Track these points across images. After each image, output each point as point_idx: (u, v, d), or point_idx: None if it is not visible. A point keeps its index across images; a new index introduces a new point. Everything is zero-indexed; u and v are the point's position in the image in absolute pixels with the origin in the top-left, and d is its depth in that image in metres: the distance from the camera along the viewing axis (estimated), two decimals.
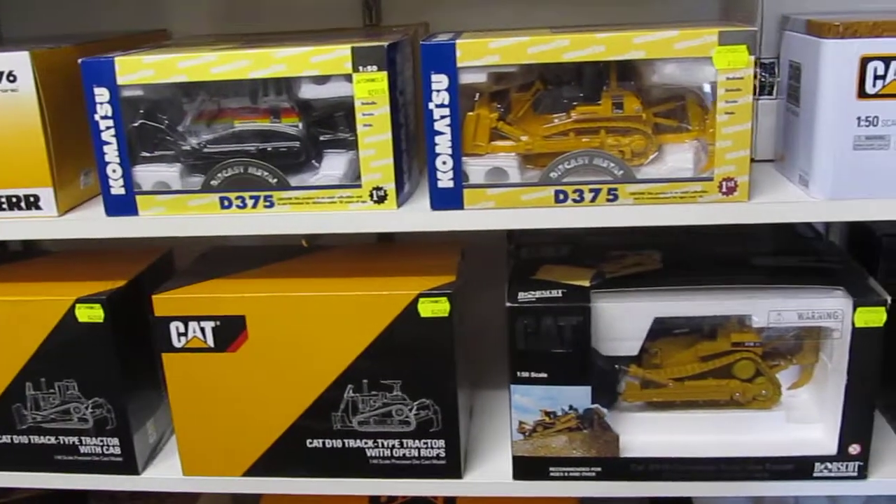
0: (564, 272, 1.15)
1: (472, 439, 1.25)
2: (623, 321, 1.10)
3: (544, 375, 1.09)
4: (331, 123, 1.08)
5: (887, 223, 1.27)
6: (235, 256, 1.24)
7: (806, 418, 1.15)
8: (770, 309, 1.07)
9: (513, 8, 1.38)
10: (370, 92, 1.02)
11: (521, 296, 1.08)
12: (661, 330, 1.15)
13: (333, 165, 1.08)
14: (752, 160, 1.15)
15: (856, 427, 1.09)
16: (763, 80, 1.15)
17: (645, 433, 1.15)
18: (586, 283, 1.11)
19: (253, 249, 1.27)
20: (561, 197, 1.03)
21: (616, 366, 1.14)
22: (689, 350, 1.15)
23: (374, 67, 1.01)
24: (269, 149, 1.08)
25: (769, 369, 1.15)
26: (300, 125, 1.08)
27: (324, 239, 1.18)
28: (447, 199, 1.04)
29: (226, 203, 1.07)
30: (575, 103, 1.05)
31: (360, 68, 1.01)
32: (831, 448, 1.11)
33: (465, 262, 1.22)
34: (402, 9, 1.40)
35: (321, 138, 1.09)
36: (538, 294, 1.09)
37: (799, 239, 1.26)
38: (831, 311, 1.06)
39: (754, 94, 1.13)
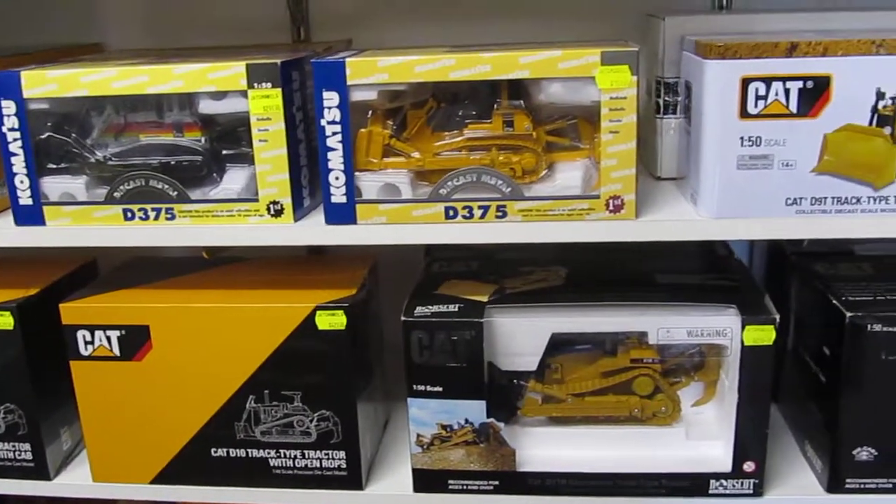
0: (467, 287, 1.16)
1: (384, 451, 1.26)
2: (519, 336, 1.11)
3: (440, 389, 1.10)
4: (234, 138, 1.10)
5: (801, 242, 1.28)
6: (153, 267, 1.26)
7: (707, 435, 1.15)
8: (659, 326, 1.08)
9: (440, 25, 1.40)
10: (265, 108, 1.04)
11: (418, 310, 1.10)
12: (563, 345, 1.16)
13: (234, 180, 1.10)
14: (659, 178, 1.18)
15: (749, 444, 1.10)
16: (667, 100, 1.17)
17: (545, 448, 1.16)
18: (484, 299, 1.12)
19: (172, 260, 1.29)
20: (451, 213, 1.04)
21: (515, 381, 1.15)
22: (592, 366, 1.16)
23: (269, 84, 1.03)
24: (173, 162, 1.10)
25: (669, 386, 1.16)
26: (203, 140, 1.10)
27: (249, 252, 1.19)
28: (341, 214, 1.05)
29: (129, 215, 1.09)
30: (467, 121, 1.06)
31: (255, 85, 1.03)
32: (727, 465, 1.11)
33: (374, 275, 1.23)
34: (331, 26, 1.42)
35: (224, 153, 1.11)
36: (435, 309, 1.10)
37: (710, 257, 1.26)
38: (720, 328, 1.07)
39: (658, 112, 1.16)
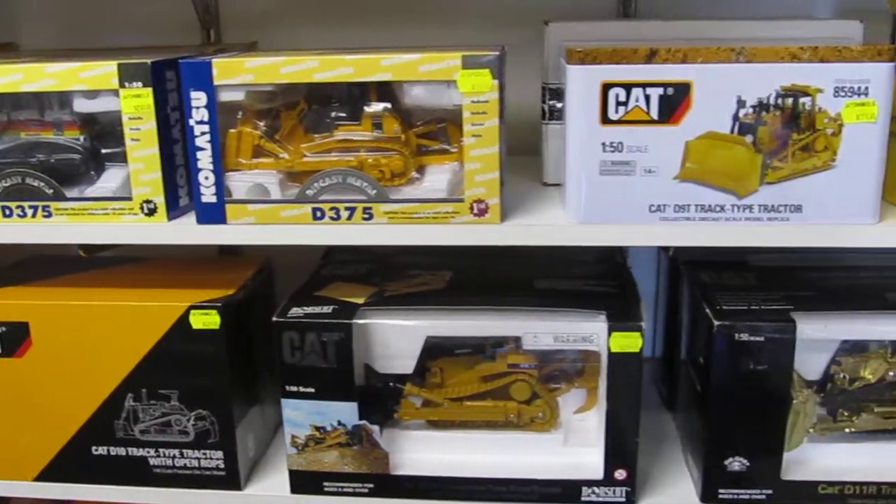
0: (348, 290, 1.16)
1: (272, 452, 1.26)
2: (394, 339, 1.11)
3: (311, 390, 1.10)
4: (113, 137, 1.11)
5: (698, 250, 1.28)
6: (40, 265, 1.27)
7: (585, 442, 1.15)
8: (526, 331, 1.08)
9: (350, 28, 1.40)
10: (136, 107, 1.04)
11: (292, 311, 1.10)
12: (443, 349, 1.16)
13: (111, 178, 1.11)
14: (545, 184, 1.18)
15: (621, 452, 1.09)
16: (552, 105, 1.17)
17: (422, 451, 1.16)
18: (360, 301, 1.12)
19: (65, 258, 1.30)
20: (318, 214, 1.04)
21: (392, 383, 1.15)
22: (471, 371, 1.16)
23: (140, 84, 1.04)
24: (52, 160, 1.11)
25: (548, 392, 1.15)
26: (82, 138, 1.11)
27: (132, 251, 1.19)
28: (211, 214, 1.06)
29: (7, 212, 1.10)
30: (338, 123, 1.06)
31: (126, 84, 1.04)
32: (599, 473, 1.10)
33: (264, 276, 1.23)
34: (243, 27, 1.43)
35: (104, 151, 1.12)
36: (308, 310, 1.10)
37: (600, 265, 1.26)
38: (587, 334, 1.06)
39: (544, 118, 1.16)
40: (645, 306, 1.09)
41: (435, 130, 1.07)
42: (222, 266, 1.24)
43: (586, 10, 1.37)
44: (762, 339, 1.04)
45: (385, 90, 1.05)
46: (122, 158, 1.10)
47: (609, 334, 1.05)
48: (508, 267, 1.23)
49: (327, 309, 1.11)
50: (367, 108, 1.06)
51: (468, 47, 1.03)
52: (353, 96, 1.07)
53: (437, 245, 1.03)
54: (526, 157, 1.21)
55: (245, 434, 1.17)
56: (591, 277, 1.19)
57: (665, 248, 1.35)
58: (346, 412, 1.11)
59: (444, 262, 1.25)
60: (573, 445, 1.15)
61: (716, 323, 1.05)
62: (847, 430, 1.14)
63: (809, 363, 1.12)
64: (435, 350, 1.15)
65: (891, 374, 1.12)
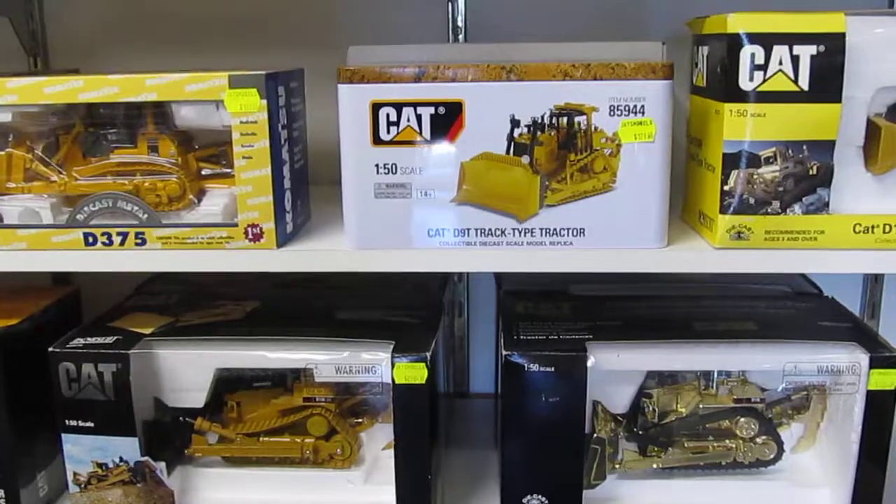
0: (141, 320, 1.12)
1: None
2: (181, 370, 1.07)
3: (91, 424, 1.05)
4: None
5: (525, 278, 1.24)
6: None
7: (388, 480, 1.09)
8: (309, 362, 1.03)
9: (181, 54, 1.37)
10: None
11: (75, 342, 1.05)
12: (240, 382, 1.11)
13: None
14: None
15: (412, 489, 1.04)
16: None
17: (215, 490, 1.11)
18: (148, 331, 1.08)
19: None
20: (91, 240, 1.00)
21: (183, 418, 1.10)
22: (270, 405, 1.11)
23: None
24: None
25: (348, 427, 1.10)
26: None
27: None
28: None
29: None
30: (115, 146, 1.02)
31: None
32: None
33: (68, 305, 1.19)
34: (70, 54, 1.40)
35: None
36: (90, 341, 1.05)
37: (420, 295, 1.22)
38: (369, 365, 1.02)
39: None
40: (440, 339, 1.05)
41: (217, 154, 1.03)
42: (25, 294, 1.19)
43: (419, 33, 1.35)
44: (552, 369, 1.00)
45: (162, 112, 1.01)
46: None
47: (392, 365, 1.00)
48: (319, 297, 1.19)
49: (110, 339, 1.06)
50: (142, 131, 1.02)
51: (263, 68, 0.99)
52: (130, 119, 1.03)
53: (252, 272, 1.00)
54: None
55: (31, 472, 1.11)
56: (400, 308, 1.15)
57: (497, 277, 1.31)
58: (127, 448, 1.05)
59: (257, 292, 1.21)
60: (376, 483, 1.10)
61: (504, 353, 1.00)
62: (656, 465, 1.09)
63: (615, 396, 1.08)
64: (231, 383, 1.10)
65: (701, 406, 1.08)
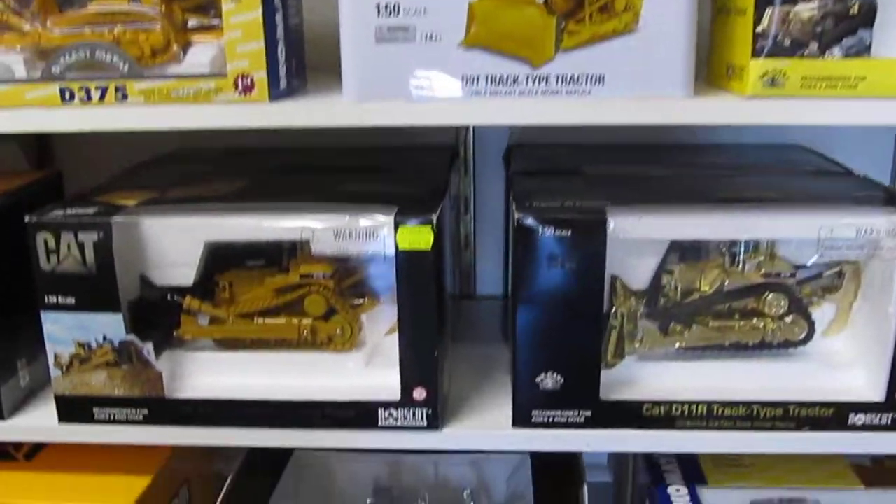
0: (128, 194, 1.05)
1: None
2: (168, 244, 0.99)
3: (72, 301, 0.98)
4: None
5: (535, 162, 1.17)
6: None
7: (391, 363, 1.02)
8: (304, 228, 0.96)
9: None
10: None
11: (54, 213, 0.97)
12: (232, 260, 1.04)
13: None
14: None
15: (417, 367, 0.97)
16: None
17: (207, 374, 1.03)
18: (132, 203, 1.00)
19: None
20: (67, 95, 0.92)
21: (171, 297, 1.02)
22: (265, 284, 1.04)
23: None
24: None
25: (348, 307, 1.03)
26: None
27: None
28: None
29: None
30: None
31: None
32: (397, 394, 0.98)
33: (42, 184, 1.11)
34: None
35: None
36: (70, 212, 0.98)
37: (430, 172, 1.14)
38: (370, 229, 0.95)
39: None
40: (447, 206, 0.98)
41: (204, 4, 0.95)
42: (2, 177, 1.11)
43: None
44: (568, 233, 0.92)
45: None
46: None
47: (396, 228, 0.92)
48: (323, 173, 1.11)
49: (91, 210, 0.98)
50: None
51: None
52: None
53: (244, 128, 0.91)
54: None
55: (10, 359, 1.04)
56: (402, 183, 1.07)
57: (506, 160, 1.24)
58: (111, 325, 0.98)
59: (252, 175, 1.13)
60: (377, 367, 1.03)
61: (516, 215, 0.93)
62: (679, 345, 1.02)
63: (635, 270, 1.00)
64: (223, 261, 1.03)
65: (727, 283, 1.00)
